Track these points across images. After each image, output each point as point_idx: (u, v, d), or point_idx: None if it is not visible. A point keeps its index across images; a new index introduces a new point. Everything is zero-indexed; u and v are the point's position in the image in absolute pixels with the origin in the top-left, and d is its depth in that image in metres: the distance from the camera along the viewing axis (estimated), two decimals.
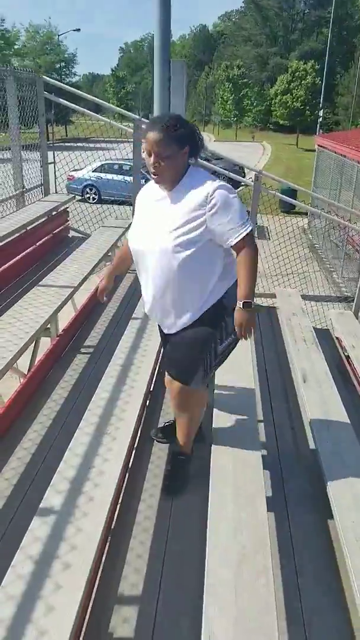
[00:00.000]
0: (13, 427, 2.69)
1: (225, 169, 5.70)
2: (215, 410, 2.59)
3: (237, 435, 2.40)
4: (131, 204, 5.31)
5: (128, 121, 5.05)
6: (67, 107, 5.12)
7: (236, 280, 2.06)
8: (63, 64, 50.95)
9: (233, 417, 2.54)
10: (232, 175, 5.48)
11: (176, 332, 2.16)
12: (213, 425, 2.48)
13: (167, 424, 2.70)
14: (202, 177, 2.02)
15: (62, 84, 5.21)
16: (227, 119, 57.73)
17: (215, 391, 2.74)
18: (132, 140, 4.85)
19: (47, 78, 4.90)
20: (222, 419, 2.51)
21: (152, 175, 1.98)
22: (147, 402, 2.88)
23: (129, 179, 9.94)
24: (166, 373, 2.36)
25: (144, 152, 1.99)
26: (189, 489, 2.38)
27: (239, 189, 17.88)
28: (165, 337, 2.27)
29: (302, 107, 48.21)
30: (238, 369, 2.94)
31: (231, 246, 1.99)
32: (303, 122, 48.43)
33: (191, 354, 2.15)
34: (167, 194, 2.03)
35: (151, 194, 2.11)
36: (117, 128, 5.33)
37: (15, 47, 40.56)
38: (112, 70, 72.50)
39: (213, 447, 2.32)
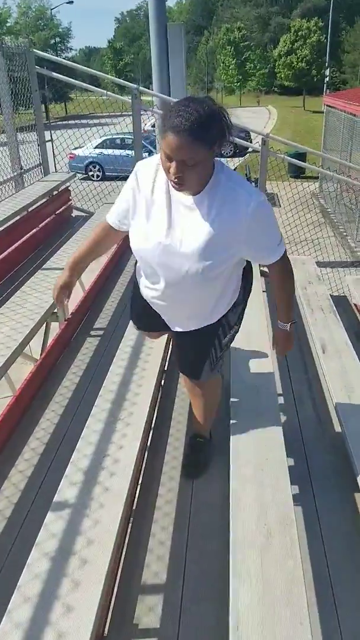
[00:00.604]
0: (25, 415, 2.63)
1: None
2: (232, 385, 2.49)
3: (256, 410, 2.30)
4: None
5: (128, 94, 4.86)
6: (66, 84, 4.93)
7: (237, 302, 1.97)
8: (58, 39, 49.88)
9: (251, 391, 2.44)
10: (238, 141, 5.27)
11: (186, 333, 2.01)
12: (231, 400, 2.39)
13: None
14: (234, 182, 1.65)
15: (54, 57, 5.02)
16: (230, 85, 56.31)
17: (232, 366, 2.64)
18: (130, 113, 4.67)
19: (38, 51, 4.70)
20: (239, 394, 2.42)
21: (173, 185, 1.59)
22: (162, 382, 2.79)
23: (131, 152, 9.71)
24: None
25: (161, 151, 1.55)
26: (210, 470, 2.31)
27: (246, 156, 17.58)
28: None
29: (307, 67, 46.78)
30: (255, 342, 2.84)
31: (268, 266, 1.84)
32: (309, 83, 47.05)
33: (197, 352, 2.06)
34: (192, 199, 1.65)
35: (163, 185, 1.69)
36: (115, 100, 5.13)
37: (8, 24, 39.77)
38: (109, 42, 70.78)
39: (232, 423, 2.23)
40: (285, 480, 1.92)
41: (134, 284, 2.11)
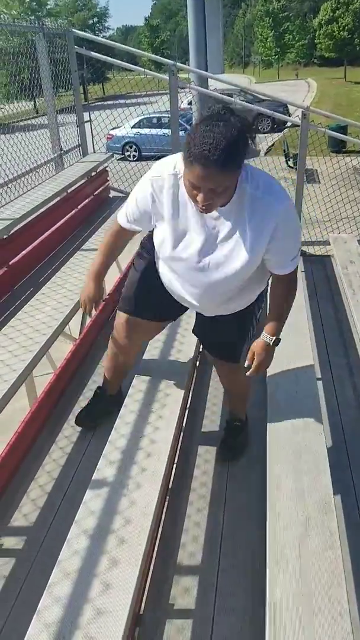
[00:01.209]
0: (65, 393, 2.67)
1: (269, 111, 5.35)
2: (269, 370, 2.45)
3: (294, 395, 2.26)
4: None
5: (165, 72, 4.77)
6: (104, 64, 4.89)
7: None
8: (96, 19, 49.50)
9: (289, 375, 2.40)
10: (277, 115, 5.12)
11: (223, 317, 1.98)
12: (267, 384, 2.36)
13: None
14: (261, 190, 1.58)
15: (92, 36, 4.96)
16: (268, 58, 54.71)
17: None
18: (167, 91, 4.59)
19: (78, 32, 4.66)
20: (277, 379, 2.38)
21: (199, 209, 1.54)
22: (197, 364, 2.78)
23: (167, 132, 9.59)
24: (208, 354, 2.23)
25: (186, 179, 1.50)
26: (246, 454, 2.30)
27: (284, 131, 17.09)
28: (201, 317, 2.08)
29: (349, 36, 44.87)
30: (293, 325, 2.78)
31: (277, 274, 1.77)
32: (351, 52, 45.21)
33: (237, 335, 2.02)
34: (218, 211, 1.61)
35: (185, 194, 1.61)
36: (152, 78, 5.05)
37: (48, 7, 39.70)
38: (146, 19, 69.75)
39: (269, 408, 2.21)
40: (325, 467, 1.88)
41: (141, 272, 2.06)
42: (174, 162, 1.64)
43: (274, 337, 1.82)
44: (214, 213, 1.61)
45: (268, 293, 1.92)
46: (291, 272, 1.76)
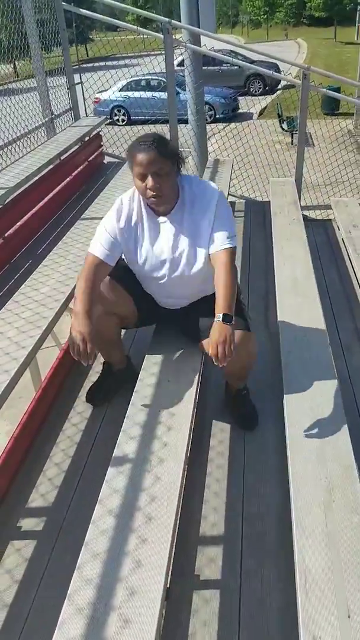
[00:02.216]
0: (73, 367, 2.60)
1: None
2: (281, 338, 2.40)
3: (308, 363, 2.21)
4: (165, 122, 4.92)
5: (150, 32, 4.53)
6: (84, 24, 4.66)
7: None
8: None
9: (301, 341, 2.34)
10: (276, 75, 4.95)
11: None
12: (281, 353, 2.30)
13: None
14: (195, 185, 2.00)
15: None
16: (257, 18, 53.07)
17: (279, 314, 2.54)
18: (156, 52, 4.39)
19: None
20: (289, 346, 2.32)
21: (152, 199, 1.88)
22: None
23: (158, 95, 9.26)
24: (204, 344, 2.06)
25: (136, 178, 1.87)
26: (261, 422, 2.26)
27: (278, 92, 16.61)
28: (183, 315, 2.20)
29: None
30: (301, 289, 2.72)
31: (212, 255, 1.94)
32: (341, 12, 43.83)
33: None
34: (168, 217, 1.97)
35: (144, 215, 2.00)
36: (143, 37, 4.82)
37: None
38: None
39: (284, 377, 2.16)
40: (345, 434, 1.84)
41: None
42: (130, 192, 2.01)
43: (221, 314, 1.78)
44: (163, 219, 1.96)
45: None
46: (224, 253, 1.92)
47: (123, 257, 2.07)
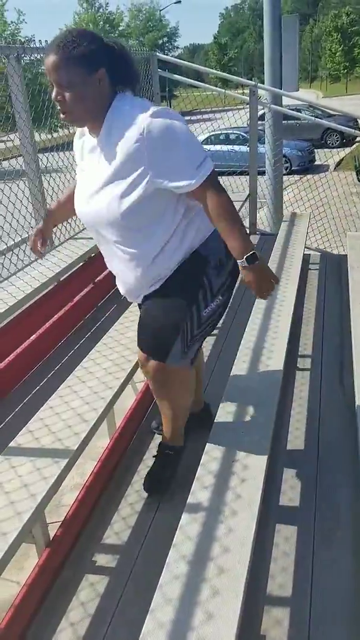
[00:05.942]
0: (149, 414, 2.70)
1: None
2: (357, 399, 2.37)
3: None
4: (241, 173, 5.10)
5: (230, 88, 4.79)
6: (170, 81, 5.01)
7: (215, 229, 1.66)
8: (165, 39, 50.75)
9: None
10: (342, 128, 5.08)
11: (147, 299, 1.80)
12: (357, 416, 2.27)
13: None
14: (132, 106, 1.53)
15: (174, 59, 5.09)
16: (336, 72, 54.04)
17: (357, 377, 2.52)
18: (238, 107, 4.64)
19: (161, 55, 4.81)
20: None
21: (60, 115, 1.53)
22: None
23: (237, 148, 9.62)
24: (138, 349, 1.95)
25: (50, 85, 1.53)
26: (334, 485, 2.22)
27: (354, 145, 16.62)
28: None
29: None
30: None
31: (188, 195, 1.57)
32: None
33: (165, 323, 1.76)
34: (96, 140, 1.60)
35: (84, 139, 1.70)
36: (231, 97, 5.11)
37: (120, 28, 41.08)
38: (214, 37, 70.68)
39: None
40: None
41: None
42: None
43: (243, 256, 1.57)
44: (93, 141, 1.61)
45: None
46: (199, 189, 1.53)
47: None
